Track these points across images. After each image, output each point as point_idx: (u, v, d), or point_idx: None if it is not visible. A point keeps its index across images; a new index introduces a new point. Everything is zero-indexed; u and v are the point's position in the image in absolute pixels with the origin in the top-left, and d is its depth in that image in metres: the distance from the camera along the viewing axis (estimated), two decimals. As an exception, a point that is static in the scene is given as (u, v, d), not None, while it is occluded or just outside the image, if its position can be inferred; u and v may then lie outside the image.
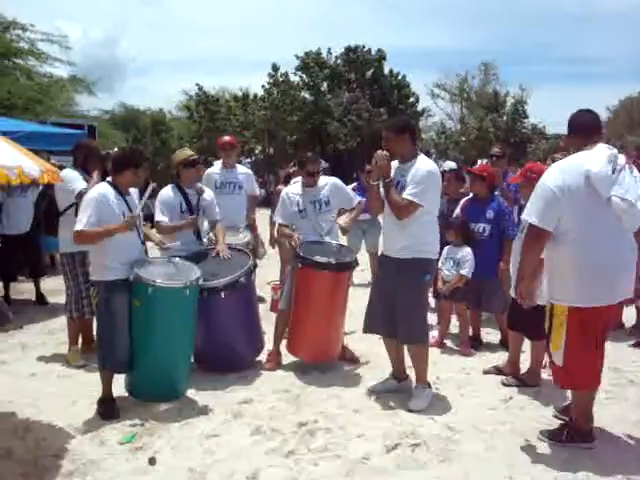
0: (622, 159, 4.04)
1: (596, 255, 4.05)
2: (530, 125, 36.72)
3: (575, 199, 4.00)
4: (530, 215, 4.14)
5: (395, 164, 5.11)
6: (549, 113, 72.52)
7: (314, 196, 6.11)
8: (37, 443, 4.38)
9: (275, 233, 7.32)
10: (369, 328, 5.41)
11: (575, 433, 4.35)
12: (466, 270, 6.45)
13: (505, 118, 36.48)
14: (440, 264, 6.58)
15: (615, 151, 4.08)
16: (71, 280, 6.13)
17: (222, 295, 5.55)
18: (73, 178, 6.05)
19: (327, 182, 6.27)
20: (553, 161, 7.70)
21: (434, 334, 6.82)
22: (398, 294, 5.04)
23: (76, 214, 5.83)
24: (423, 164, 4.99)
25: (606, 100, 51.56)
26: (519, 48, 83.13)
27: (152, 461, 4.11)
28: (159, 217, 5.90)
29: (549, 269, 4.31)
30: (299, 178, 6.44)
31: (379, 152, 5.02)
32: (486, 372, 5.87)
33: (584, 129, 4.30)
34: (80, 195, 5.80)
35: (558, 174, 4.09)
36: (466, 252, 6.49)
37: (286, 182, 8.10)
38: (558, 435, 4.41)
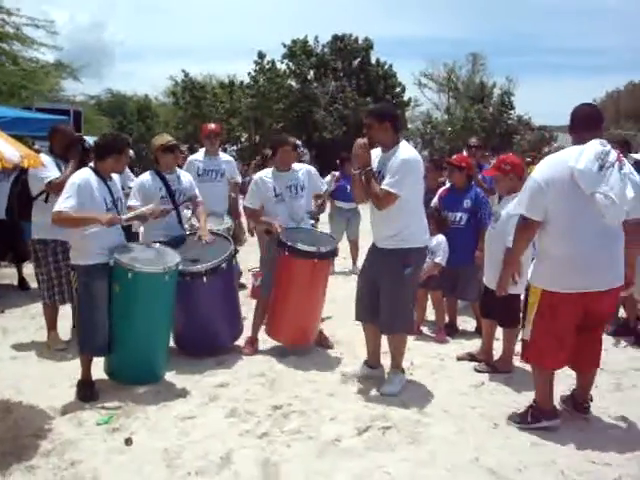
0: (613, 155, 4.16)
1: (573, 245, 4.22)
2: (516, 116, 36.94)
3: (559, 192, 4.17)
4: (520, 206, 4.36)
5: (378, 153, 5.08)
6: (535, 104, 72.72)
7: (290, 180, 6.17)
8: (16, 423, 4.46)
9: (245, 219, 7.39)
10: (360, 316, 5.43)
11: (539, 413, 4.52)
12: (439, 258, 6.55)
13: (491, 109, 36.66)
14: None
15: (607, 147, 4.19)
16: (43, 267, 6.15)
17: (204, 280, 5.62)
18: (46, 165, 5.95)
19: (302, 167, 6.38)
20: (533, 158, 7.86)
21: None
22: (381, 284, 5.09)
23: (46, 200, 5.92)
24: (402, 152, 4.94)
25: (593, 92, 51.94)
26: (507, 39, 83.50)
27: (128, 441, 4.20)
28: (132, 201, 5.87)
29: (534, 253, 4.52)
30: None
31: (358, 140, 4.99)
32: (459, 358, 6.00)
33: (582, 123, 4.43)
34: (50, 184, 5.86)
35: (545, 168, 4.30)
36: (440, 240, 6.57)
37: (260, 168, 8.19)
38: (524, 417, 4.57)
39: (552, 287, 4.34)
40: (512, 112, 37.09)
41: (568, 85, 70.98)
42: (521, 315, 4.73)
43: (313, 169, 6.50)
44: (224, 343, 6.06)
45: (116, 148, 5.13)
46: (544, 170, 4.29)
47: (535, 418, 4.52)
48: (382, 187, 4.89)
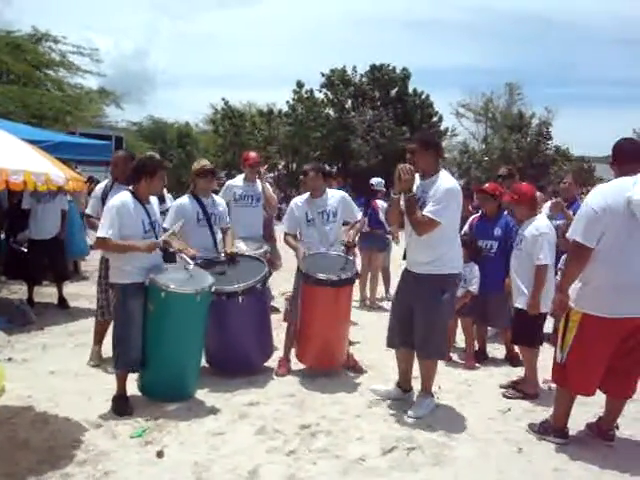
0: None
1: (623, 271, 4.33)
2: (554, 147, 36.73)
3: (614, 219, 4.29)
4: (574, 233, 4.43)
5: (417, 180, 5.13)
6: (574, 135, 72.25)
7: (322, 206, 6.36)
8: (53, 434, 4.63)
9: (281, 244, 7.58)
10: (390, 343, 5.53)
11: (549, 427, 4.75)
12: (474, 287, 6.64)
13: (529, 139, 36.51)
14: None
15: None
16: (99, 284, 6.43)
17: (240, 299, 5.78)
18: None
19: (336, 194, 6.53)
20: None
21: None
22: (416, 309, 5.16)
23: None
24: (445, 181, 5.05)
25: (633, 122, 51.39)
26: (546, 69, 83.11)
27: (160, 454, 4.34)
28: (166, 224, 5.96)
29: (580, 277, 4.56)
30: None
31: (404, 165, 5.04)
32: (502, 387, 5.98)
33: (625, 157, 4.58)
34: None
35: (600, 196, 4.40)
36: (474, 268, 6.68)
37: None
38: (535, 426, 4.85)
39: (595, 311, 4.41)
40: (550, 142, 36.92)
41: (607, 116, 70.39)
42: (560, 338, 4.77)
43: (347, 195, 6.65)
44: (255, 363, 6.19)
45: (148, 171, 5.27)
46: (599, 198, 4.38)
47: (545, 430, 4.76)
48: (424, 214, 4.97)
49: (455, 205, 5.08)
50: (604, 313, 4.38)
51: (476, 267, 6.68)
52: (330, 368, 6.16)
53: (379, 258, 9.92)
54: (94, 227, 6.34)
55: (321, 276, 5.85)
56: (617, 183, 4.46)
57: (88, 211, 6.64)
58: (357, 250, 8.43)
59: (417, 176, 5.12)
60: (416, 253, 5.22)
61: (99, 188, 6.62)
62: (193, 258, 5.57)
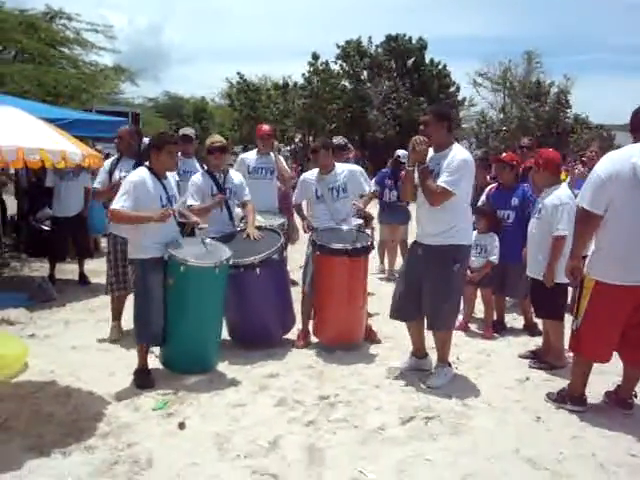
0: None
1: (632, 238, 4.35)
2: (573, 115, 36.28)
3: (621, 186, 4.30)
4: (582, 200, 4.47)
5: (431, 152, 5.16)
6: (594, 103, 71.25)
7: (331, 182, 6.37)
8: (76, 408, 4.71)
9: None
10: (396, 313, 5.54)
11: (567, 395, 4.78)
12: (494, 257, 6.64)
13: (547, 108, 36.08)
14: None
15: None
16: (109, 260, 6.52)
17: (258, 271, 5.81)
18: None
19: (345, 168, 6.52)
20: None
21: (459, 318, 7.04)
22: (426, 281, 5.17)
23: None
24: (459, 153, 5.06)
25: (653, 90, 50.59)
26: (564, 37, 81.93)
27: (182, 426, 4.42)
28: (190, 201, 6.12)
29: (594, 244, 4.62)
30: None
31: (417, 137, 5.07)
32: (521, 356, 6.03)
33: None
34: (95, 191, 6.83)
35: (608, 163, 4.41)
36: (494, 238, 6.67)
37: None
38: (553, 394, 4.89)
39: (607, 278, 4.45)
40: (569, 111, 36.46)
41: (627, 84, 69.34)
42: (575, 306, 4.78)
43: (358, 169, 6.65)
44: (275, 335, 6.24)
45: (155, 145, 5.33)
46: (607, 165, 4.40)
47: (562, 399, 4.80)
48: (439, 184, 4.98)
49: (469, 176, 5.11)
50: (615, 280, 4.41)
51: (496, 237, 6.68)
52: (349, 342, 6.19)
53: (400, 230, 9.90)
54: (102, 199, 6.61)
55: (336, 245, 5.87)
56: (625, 150, 4.47)
57: (96, 185, 6.77)
58: (376, 222, 8.45)
59: (431, 150, 5.14)
60: (427, 224, 5.22)
61: (107, 162, 6.72)
62: (221, 201, 6.03)
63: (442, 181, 4.97)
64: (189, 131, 8.05)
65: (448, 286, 5.15)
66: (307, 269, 6.32)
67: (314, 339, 6.34)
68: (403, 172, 9.74)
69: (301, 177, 6.69)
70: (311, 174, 6.56)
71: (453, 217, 5.07)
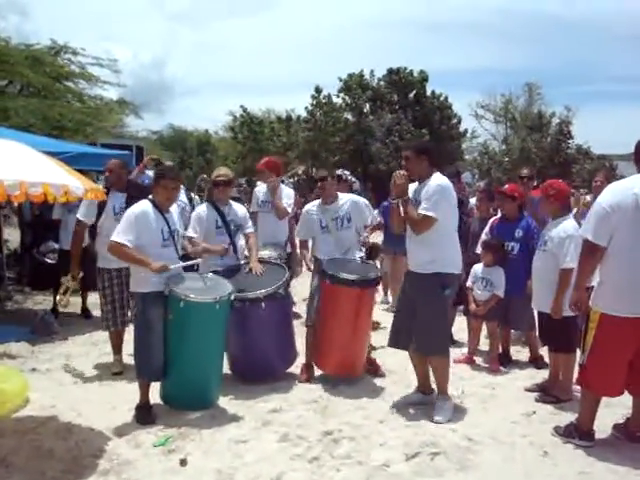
0: None
1: (634, 270, 4.33)
2: (575, 146, 36.44)
3: (623, 217, 4.30)
4: (585, 232, 4.47)
5: (415, 185, 5.34)
6: (595, 133, 71.50)
7: (335, 212, 6.35)
8: (77, 444, 4.65)
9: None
10: (393, 342, 5.57)
11: (575, 429, 4.69)
12: (501, 291, 6.59)
13: (549, 139, 36.27)
14: (470, 283, 6.74)
15: None
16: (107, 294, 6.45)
17: (263, 306, 5.79)
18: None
19: (348, 199, 6.52)
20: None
21: (464, 351, 6.99)
22: (418, 306, 5.23)
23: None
24: (435, 180, 5.22)
25: (654, 120, 50.74)
26: (565, 67, 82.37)
27: (183, 462, 4.35)
28: (190, 233, 6.08)
29: (599, 276, 4.61)
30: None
31: (397, 172, 5.29)
32: (528, 390, 5.95)
33: None
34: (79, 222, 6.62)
35: (610, 194, 4.43)
36: (499, 272, 6.63)
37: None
38: (561, 429, 4.79)
39: (612, 311, 4.41)
40: (571, 141, 36.64)
41: (629, 113, 69.60)
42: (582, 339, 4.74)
43: (362, 200, 6.63)
44: (278, 369, 6.18)
45: (154, 179, 5.40)
46: (609, 197, 4.41)
47: (569, 433, 4.71)
48: (420, 211, 5.12)
49: (447, 201, 5.22)
50: (621, 312, 4.37)
51: (501, 271, 6.63)
52: (351, 374, 6.13)
53: (403, 261, 9.83)
54: (80, 234, 6.56)
55: (345, 275, 5.86)
56: (628, 181, 4.48)
57: (81, 216, 6.56)
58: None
59: (415, 183, 5.33)
60: (416, 254, 5.32)
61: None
62: (225, 252, 5.83)
63: (422, 208, 5.13)
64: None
65: (438, 311, 5.25)
66: (312, 302, 6.29)
67: (317, 372, 6.28)
68: None
69: (303, 210, 6.67)
70: (312, 206, 6.55)
71: (440, 245, 5.18)
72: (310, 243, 6.70)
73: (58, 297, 6.61)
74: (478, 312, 6.66)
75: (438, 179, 5.24)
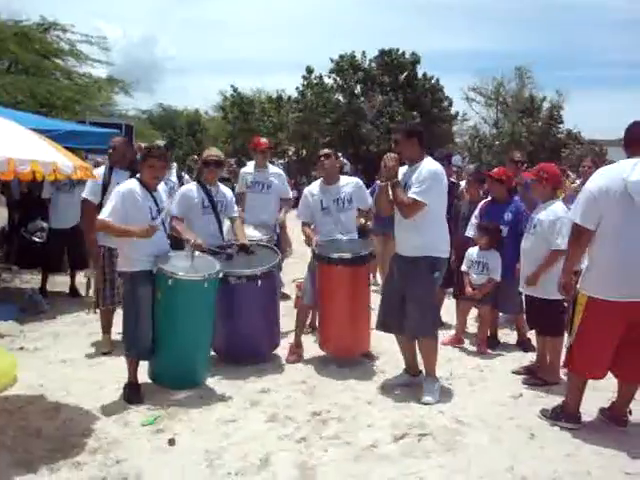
0: None
1: (621, 253, 4.35)
2: (565, 130, 36.49)
3: (612, 201, 4.31)
4: (574, 215, 4.51)
5: (405, 168, 5.32)
6: (586, 118, 71.53)
7: (336, 194, 6.34)
8: (65, 423, 4.65)
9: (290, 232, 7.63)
10: (381, 325, 5.58)
11: (562, 412, 4.73)
12: (498, 275, 6.60)
13: (540, 123, 36.28)
14: (466, 267, 6.73)
15: None
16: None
17: (259, 283, 5.82)
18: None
19: (349, 181, 6.51)
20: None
21: (451, 333, 7.02)
22: (408, 290, 5.23)
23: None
24: (427, 165, 5.20)
25: (645, 105, 50.77)
26: (557, 52, 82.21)
27: (172, 442, 4.35)
28: (173, 210, 6.03)
29: (586, 260, 4.66)
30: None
31: (388, 154, 5.26)
32: (515, 372, 5.98)
33: (634, 140, 4.56)
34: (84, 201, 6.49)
35: (599, 178, 4.46)
36: (496, 256, 6.62)
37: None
38: (547, 411, 4.84)
39: (598, 294, 4.44)
40: (561, 126, 36.70)
41: (619, 99, 69.61)
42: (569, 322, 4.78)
43: (361, 182, 6.63)
44: (265, 350, 6.21)
45: (141, 158, 5.41)
46: (598, 180, 4.43)
47: (556, 416, 4.76)
48: (410, 195, 5.10)
49: (439, 187, 5.22)
50: (608, 296, 4.40)
51: (497, 254, 6.62)
52: (354, 353, 6.18)
53: (392, 243, 9.81)
54: (90, 213, 6.29)
55: (335, 255, 5.88)
56: (617, 165, 4.50)
57: (88, 195, 6.51)
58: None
59: (405, 166, 5.32)
60: (405, 237, 5.32)
61: (98, 173, 6.41)
62: (200, 248, 5.57)
63: (412, 192, 5.11)
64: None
65: (428, 294, 5.28)
66: (308, 281, 6.30)
67: (305, 354, 6.29)
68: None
69: (305, 191, 6.63)
70: (315, 187, 6.54)
71: (429, 230, 5.18)
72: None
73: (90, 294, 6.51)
74: (474, 296, 6.67)
75: (430, 164, 5.23)
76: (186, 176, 8.38)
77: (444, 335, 6.76)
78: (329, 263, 5.93)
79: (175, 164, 7.90)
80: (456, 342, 6.85)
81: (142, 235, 5.02)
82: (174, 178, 7.75)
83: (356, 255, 5.93)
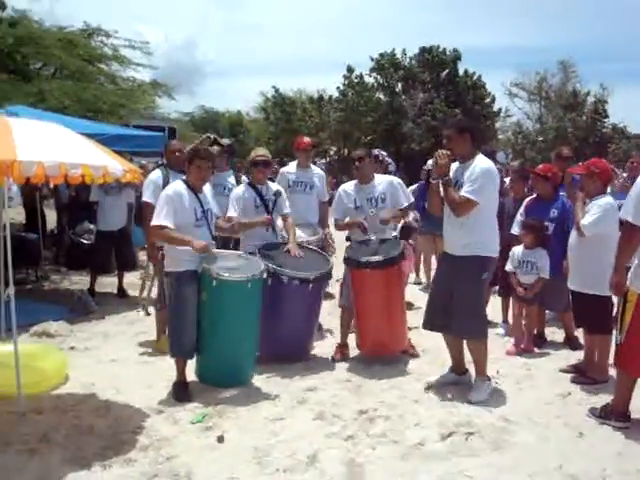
0: None
1: None
2: (610, 125, 35.80)
3: None
4: (625, 213, 4.42)
5: (456, 165, 5.25)
6: (631, 112, 69.91)
7: (370, 193, 6.32)
8: (116, 421, 4.75)
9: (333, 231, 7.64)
10: (428, 324, 5.54)
11: (610, 411, 4.67)
12: (547, 273, 6.48)
13: (585, 117, 35.66)
14: (512, 267, 6.63)
15: None
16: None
17: (310, 287, 5.86)
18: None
19: (384, 180, 6.48)
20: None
21: (497, 331, 6.97)
22: (456, 290, 5.18)
23: None
24: (480, 163, 5.13)
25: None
26: (600, 45, 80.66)
27: (220, 439, 4.42)
28: (231, 212, 6.16)
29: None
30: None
31: (440, 151, 5.18)
32: (563, 371, 5.91)
33: None
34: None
35: None
36: (543, 254, 6.51)
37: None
38: (596, 410, 4.77)
39: None
40: (606, 120, 36.00)
41: (667, 92, 67.92)
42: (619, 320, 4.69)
43: (398, 181, 6.59)
44: (308, 350, 6.26)
45: (187, 159, 5.47)
46: None
47: (605, 415, 4.70)
48: (462, 194, 5.04)
49: (492, 186, 5.16)
50: None
51: (544, 252, 6.50)
52: (392, 352, 6.17)
53: (441, 242, 9.76)
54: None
55: (363, 259, 5.87)
56: None
57: (149, 198, 6.42)
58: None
59: (456, 163, 5.24)
60: (455, 236, 5.26)
61: (157, 176, 6.56)
62: (269, 222, 6.04)
63: (464, 191, 5.04)
64: (225, 142, 8.01)
65: (477, 294, 5.23)
66: (345, 283, 6.33)
67: (352, 353, 6.31)
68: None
69: (339, 190, 6.64)
70: (349, 186, 6.53)
71: (479, 228, 5.12)
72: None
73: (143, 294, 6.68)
74: (526, 296, 6.57)
75: (483, 161, 5.16)
76: (243, 177, 8.36)
77: (490, 333, 6.65)
78: (358, 267, 5.93)
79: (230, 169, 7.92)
80: (520, 350, 6.60)
81: (199, 252, 5.10)
82: (232, 179, 7.75)
83: (386, 257, 5.88)
